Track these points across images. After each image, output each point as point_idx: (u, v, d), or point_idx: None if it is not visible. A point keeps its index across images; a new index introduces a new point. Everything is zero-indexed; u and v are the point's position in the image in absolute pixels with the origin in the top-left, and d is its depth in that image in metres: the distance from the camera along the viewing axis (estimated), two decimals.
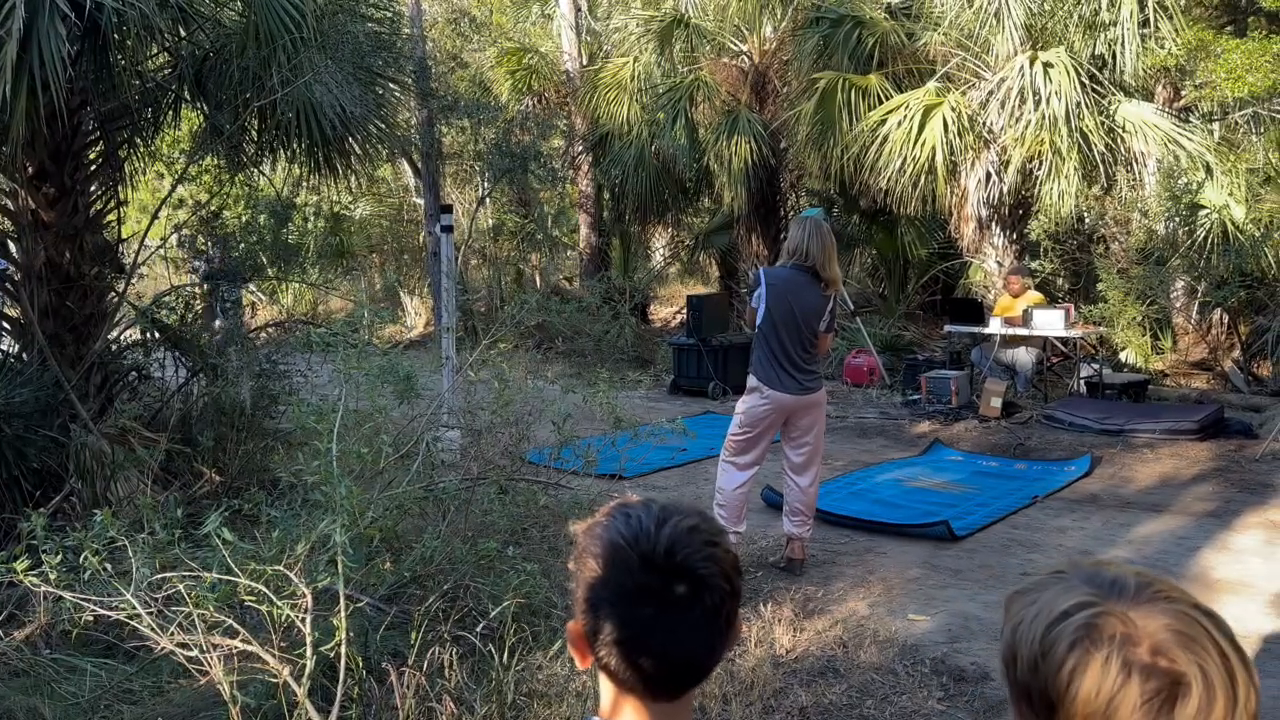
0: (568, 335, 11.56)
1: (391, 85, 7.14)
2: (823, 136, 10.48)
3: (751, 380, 4.78)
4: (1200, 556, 5.08)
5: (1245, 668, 0.85)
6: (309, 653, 2.67)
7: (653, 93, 12.77)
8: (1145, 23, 8.91)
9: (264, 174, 8.29)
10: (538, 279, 16.69)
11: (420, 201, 15.06)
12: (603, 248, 15.16)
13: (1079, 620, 0.87)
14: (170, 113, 6.34)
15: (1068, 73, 8.79)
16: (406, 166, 15.49)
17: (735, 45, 12.51)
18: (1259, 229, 9.61)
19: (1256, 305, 9.84)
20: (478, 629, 3.24)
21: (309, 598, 2.73)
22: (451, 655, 2.98)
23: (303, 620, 2.70)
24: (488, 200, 15.43)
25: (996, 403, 8.54)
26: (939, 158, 9.39)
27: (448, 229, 6.50)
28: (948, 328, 9.91)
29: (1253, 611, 4.33)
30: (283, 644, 2.90)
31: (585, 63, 14.68)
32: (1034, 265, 10.89)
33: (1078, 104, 8.84)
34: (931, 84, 9.75)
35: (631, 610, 1.05)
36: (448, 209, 6.94)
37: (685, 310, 10.94)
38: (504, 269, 16.26)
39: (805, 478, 4.88)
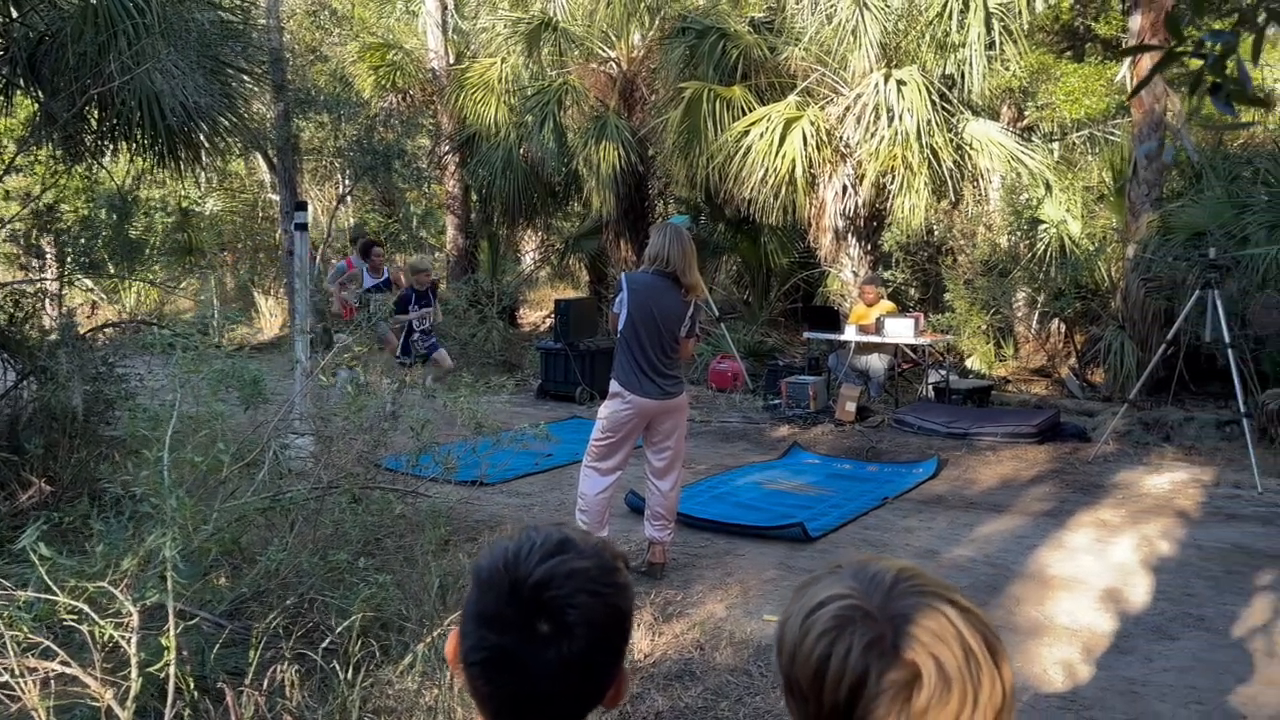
0: None
1: (242, 76, 6.84)
2: (689, 145, 10.63)
3: (614, 385, 4.77)
4: (1037, 554, 5.35)
5: (992, 662, 0.87)
6: (134, 674, 2.51)
7: (521, 95, 12.68)
8: (991, 45, 9.38)
9: (104, 166, 7.81)
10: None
11: (276, 198, 14.50)
12: (470, 250, 14.94)
13: (832, 612, 0.90)
14: (1, 98, 5.90)
15: (920, 91, 9.17)
16: (262, 161, 14.88)
17: (604, 51, 12.55)
18: (1093, 244, 10.25)
19: (1091, 316, 10.48)
20: (323, 644, 3.11)
21: (135, 616, 2.56)
22: (291, 673, 2.85)
23: (127, 640, 2.53)
24: (349, 199, 14.98)
25: (851, 407, 8.82)
26: (799, 170, 9.64)
27: (302, 227, 6.26)
28: (806, 334, 10.19)
29: (1084, 606, 4.58)
30: (108, 665, 2.72)
31: (452, 62, 14.44)
32: (887, 275, 11.31)
33: (928, 121, 9.22)
34: (792, 98, 10.02)
35: (489, 635, 1.01)
36: (302, 206, 6.68)
37: (553, 314, 10.89)
38: None
39: (667, 482, 4.91)
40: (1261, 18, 1.17)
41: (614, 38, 12.46)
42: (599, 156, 11.43)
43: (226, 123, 6.84)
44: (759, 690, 3.64)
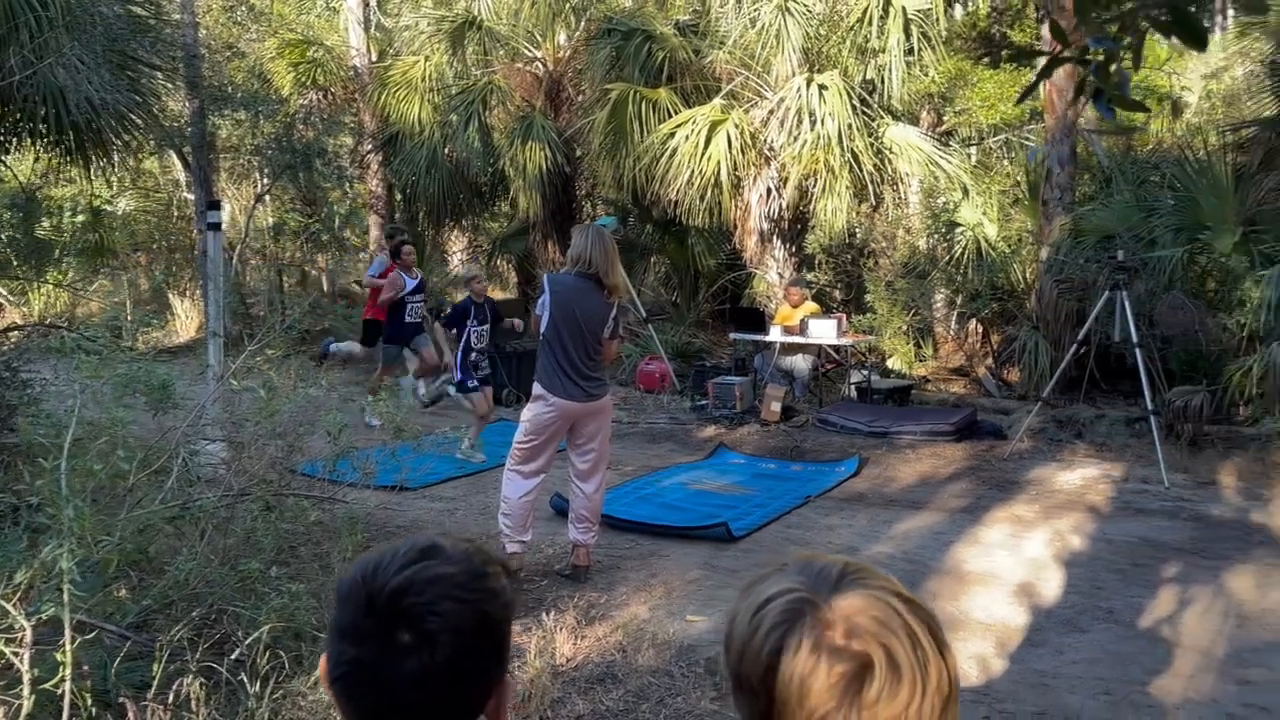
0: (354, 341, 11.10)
1: (154, 72, 6.64)
2: (615, 146, 10.63)
3: (537, 388, 4.74)
4: (954, 550, 5.46)
5: (938, 651, 0.88)
6: (26, 691, 2.40)
7: (445, 94, 12.54)
8: (910, 51, 9.56)
9: (4, 164, 7.52)
10: (324, 281, 16.02)
11: (191, 197, 14.11)
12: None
13: (781, 606, 0.90)
14: None
15: (841, 95, 9.31)
16: (176, 160, 14.47)
17: (530, 51, 12.48)
18: (1009, 246, 10.51)
19: (1007, 316, 10.74)
20: (232, 656, 3.02)
21: (28, 631, 2.46)
22: (196, 686, 2.76)
23: (19, 656, 2.42)
24: (267, 197, 14.65)
25: (776, 407, 8.91)
26: (724, 172, 9.71)
27: (215, 226, 6.09)
28: (733, 335, 10.26)
29: (999, 600, 4.68)
30: (0, 683, 2.60)
31: (374, 59, 14.22)
32: (811, 277, 11.44)
33: (849, 125, 9.37)
34: (717, 100, 10.08)
35: (348, 649, 0.97)
36: (215, 205, 6.50)
37: None
38: (288, 271, 15.50)
39: (591, 484, 4.89)
40: (1143, 25, 1.21)
41: (539, 37, 12.40)
42: (525, 157, 11.36)
43: (139, 120, 6.63)
44: (680, 691, 3.64)
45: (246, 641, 3.01)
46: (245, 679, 2.86)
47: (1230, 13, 19.30)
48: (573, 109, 12.15)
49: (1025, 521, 5.97)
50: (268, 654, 2.98)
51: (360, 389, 8.66)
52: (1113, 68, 1.22)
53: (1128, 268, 7.33)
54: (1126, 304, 7.08)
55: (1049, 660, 3.99)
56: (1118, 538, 5.63)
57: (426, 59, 12.32)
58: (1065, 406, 8.39)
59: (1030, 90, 1.67)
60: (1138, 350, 7.04)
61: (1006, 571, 5.08)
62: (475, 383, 7.31)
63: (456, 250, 17.80)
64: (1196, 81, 18.21)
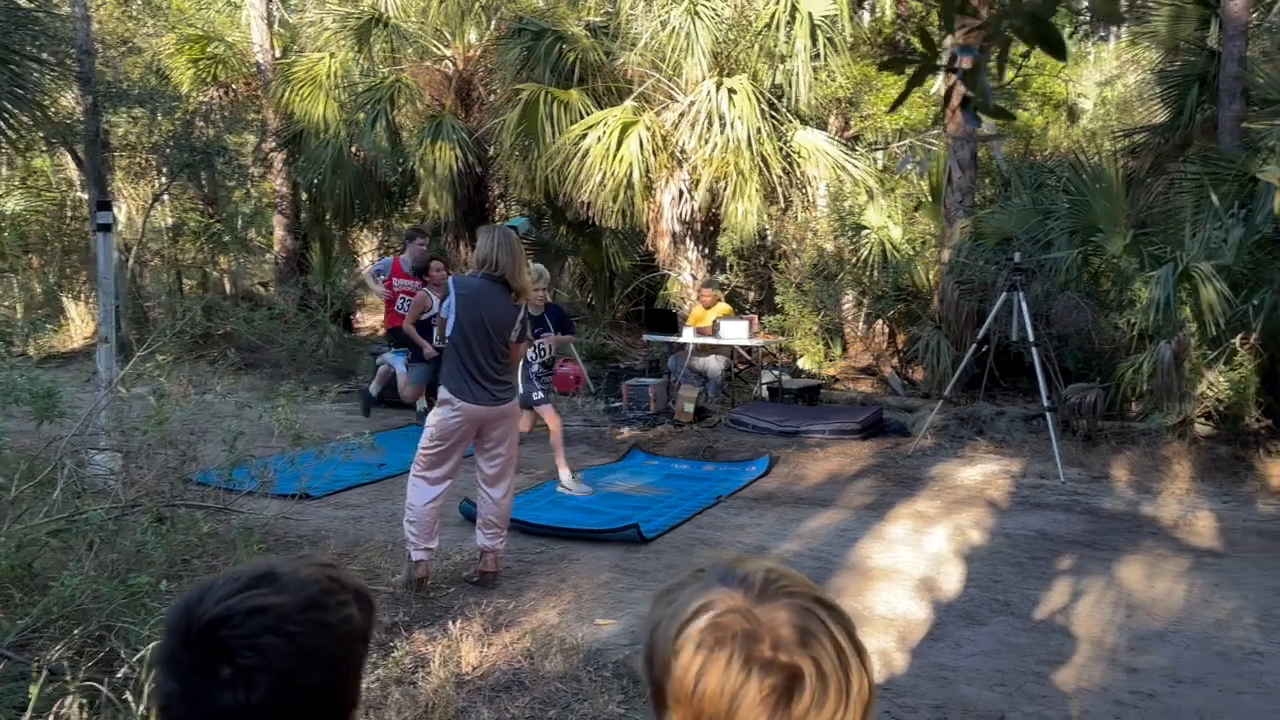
0: (258, 345, 10.81)
1: (40, 66, 6.35)
2: (527, 147, 10.57)
3: (443, 392, 4.67)
4: (859, 547, 5.56)
5: (859, 657, 0.89)
6: None
7: (351, 91, 12.30)
8: (817, 56, 9.71)
9: None
10: (227, 284, 15.55)
11: (86, 197, 13.56)
12: (301, 252, 14.37)
13: (707, 619, 0.88)
14: None
15: (750, 99, 9.41)
16: (69, 158, 13.89)
17: (439, 49, 12.31)
18: (913, 248, 10.77)
19: (912, 317, 10.99)
20: (118, 674, 2.90)
21: None
22: (75, 708, 2.64)
23: None
24: (166, 197, 14.16)
25: (689, 408, 8.97)
26: (636, 174, 9.73)
27: (105, 228, 5.85)
28: (646, 337, 10.30)
29: (901, 595, 4.78)
30: None
31: (278, 56, 13.87)
32: (723, 279, 11.55)
33: (758, 129, 9.47)
34: (629, 102, 10.10)
35: (168, 681, 0.92)
36: (105, 205, 6.24)
37: None
38: (188, 273, 15.01)
39: (499, 489, 4.84)
40: (1007, 34, 1.24)
41: (449, 36, 12.25)
42: (435, 157, 11.21)
43: (25, 117, 6.34)
44: (588, 696, 3.62)
45: (134, 659, 2.89)
46: (130, 698, 2.75)
47: (1125, 23, 20.12)
48: (484, 108, 12.03)
49: (928, 517, 6.11)
50: (153, 672, 2.86)
51: (257, 395, 8.41)
52: (1014, 71, 1.25)
53: (1024, 269, 7.57)
54: (1024, 304, 7.32)
55: (948, 654, 4.08)
56: (1015, 532, 5.80)
57: (332, 56, 12.06)
58: (967, 404, 8.63)
59: (902, 99, 1.71)
60: (1034, 349, 7.28)
61: (909, 566, 5.19)
62: (543, 399, 6.82)
63: (367, 251, 17.49)
64: (1092, 89, 18.95)
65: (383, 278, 8.93)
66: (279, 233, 14.34)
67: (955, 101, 1.33)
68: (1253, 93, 8.58)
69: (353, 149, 12.32)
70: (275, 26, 14.25)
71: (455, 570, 5.02)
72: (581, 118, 10.16)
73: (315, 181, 12.58)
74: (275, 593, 0.93)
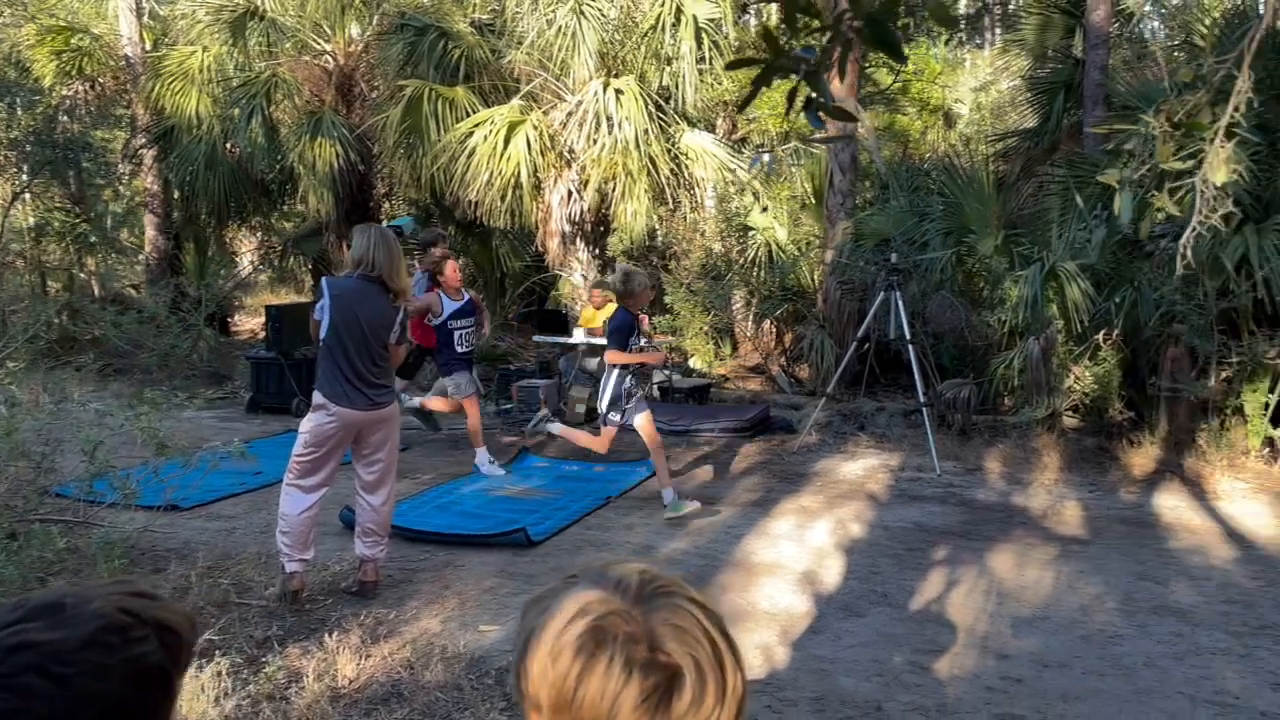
0: (128, 350, 10.32)
1: None
2: (412, 145, 10.38)
3: (317, 397, 4.53)
4: (744, 543, 5.62)
5: (733, 654, 0.89)
6: None
7: (226, 86, 11.86)
8: (703, 59, 9.81)
9: None
10: (95, 286, 14.80)
11: None
12: (174, 252, 13.78)
13: (585, 624, 0.87)
14: None
15: (637, 100, 9.44)
16: None
17: (318, 44, 11.98)
18: (798, 249, 10.97)
19: (798, 316, 11.20)
20: None
21: None
22: None
23: None
24: (28, 195, 13.40)
25: (580, 409, 8.93)
26: (524, 173, 9.66)
27: None
28: (536, 338, 10.23)
29: (784, 590, 4.85)
30: None
31: (148, 49, 13.28)
32: (612, 279, 11.55)
33: (646, 130, 9.51)
34: (516, 101, 10.01)
35: None
36: None
37: (265, 321, 10.25)
38: (54, 275, 14.22)
39: (378, 496, 4.71)
40: (849, 36, 1.25)
41: (329, 30, 11.92)
42: (315, 154, 10.90)
43: None
44: (469, 704, 3.56)
45: None
46: None
47: (997, 30, 20.98)
48: (366, 105, 11.76)
49: (811, 512, 6.22)
50: None
51: (119, 402, 8.02)
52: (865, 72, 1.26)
53: (901, 269, 7.79)
54: (901, 303, 7.53)
55: (828, 646, 4.15)
56: (894, 524, 5.96)
57: (205, 49, 11.62)
58: (849, 401, 8.83)
59: (749, 99, 1.72)
60: (911, 347, 7.49)
61: (792, 561, 5.27)
62: (619, 416, 6.22)
63: (246, 251, 16.90)
64: (968, 95, 19.66)
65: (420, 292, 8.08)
66: (150, 233, 13.73)
67: (798, 103, 1.34)
68: (1114, 99, 9.02)
69: (228, 145, 11.89)
70: (145, 18, 13.63)
71: (334, 581, 4.87)
72: (467, 115, 10.03)
73: (188, 179, 12.09)
74: (51, 627, 0.83)
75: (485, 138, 9.61)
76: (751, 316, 12.05)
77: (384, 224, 10.69)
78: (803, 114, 1.37)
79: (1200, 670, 3.91)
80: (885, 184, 10.41)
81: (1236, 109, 1.60)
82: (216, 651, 3.74)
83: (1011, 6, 16.73)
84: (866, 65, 14.26)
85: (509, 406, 9.39)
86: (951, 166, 9.59)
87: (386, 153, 10.78)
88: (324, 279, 4.63)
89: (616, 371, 6.21)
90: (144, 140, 13.09)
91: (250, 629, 4.23)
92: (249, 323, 15.75)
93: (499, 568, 5.13)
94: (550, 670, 0.87)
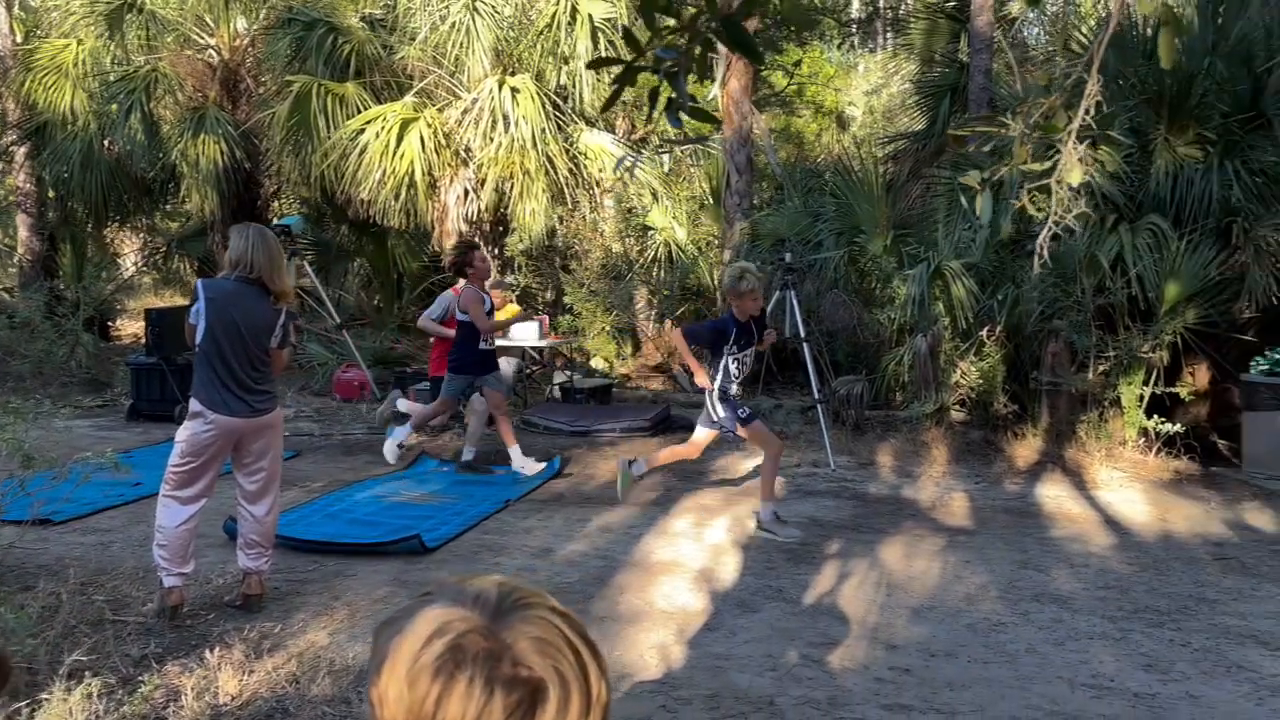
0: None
1: None
2: (301, 142, 10.10)
3: (194, 404, 4.34)
4: (644, 543, 5.62)
5: (597, 662, 0.88)
6: None
7: (103, 81, 11.35)
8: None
9: None
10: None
11: None
12: (49, 254, 13.12)
13: (443, 643, 0.84)
14: None
15: (533, 99, 9.37)
16: None
17: (201, 38, 11.55)
18: (698, 249, 11.06)
19: (698, 315, 11.29)
20: None
21: None
22: None
23: None
24: None
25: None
26: (418, 172, 9.49)
27: None
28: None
29: (681, 588, 4.86)
30: None
31: (19, 41, 12.61)
32: (512, 280, 11.45)
33: (543, 129, 9.44)
34: (409, 98, 9.83)
35: None
36: None
37: (145, 325, 9.83)
38: None
39: (261, 506, 4.55)
40: (709, 36, 1.25)
41: (212, 24, 11.51)
42: (198, 151, 10.51)
43: None
44: (358, 718, 3.46)
45: None
46: None
47: (889, 34, 21.53)
48: (253, 101, 11.39)
49: (710, 510, 6.26)
50: None
51: None
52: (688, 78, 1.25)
53: (795, 269, 7.91)
54: (795, 302, 7.64)
55: (723, 643, 4.18)
56: (790, 519, 6.03)
57: (80, 42, 11.10)
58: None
59: (613, 100, 1.71)
60: (806, 345, 7.62)
61: (690, 559, 5.29)
62: (746, 412, 5.73)
63: (129, 252, 16.22)
64: (861, 98, 20.15)
65: (446, 317, 7.81)
66: (23, 233, 13.05)
67: (660, 104, 1.32)
68: (997, 103, 9.34)
69: (105, 142, 11.37)
70: (15, 9, 12.94)
71: (217, 595, 4.69)
72: (359, 112, 9.81)
73: (64, 177, 11.52)
74: None
75: (377, 135, 9.41)
76: (653, 316, 12.10)
77: (273, 223, 10.44)
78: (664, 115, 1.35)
79: (1078, 655, 4.06)
80: (781, 185, 10.57)
81: (1088, 111, 1.65)
82: (87, 672, 3.55)
83: (901, 11, 17.19)
84: (762, 68, 14.47)
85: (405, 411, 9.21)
86: (844, 168, 9.79)
87: (274, 150, 10.47)
88: (199, 281, 4.44)
89: (719, 381, 5.69)
90: (15, 137, 12.43)
91: (126, 647, 4.04)
92: (132, 326, 15.11)
93: (392, 576, 5.01)
94: (408, 695, 0.84)
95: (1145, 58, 8.20)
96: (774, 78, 16.00)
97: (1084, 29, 10.85)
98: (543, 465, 7.14)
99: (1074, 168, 1.65)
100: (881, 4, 19.78)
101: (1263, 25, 7.89)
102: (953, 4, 11.38)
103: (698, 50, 1.24)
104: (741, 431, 5.74)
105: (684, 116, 1.50)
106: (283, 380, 10.16)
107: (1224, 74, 7.83)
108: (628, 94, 11.15)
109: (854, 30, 19.34)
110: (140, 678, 3.71)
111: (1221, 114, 7.83)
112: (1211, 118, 7.84)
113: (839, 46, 19.39)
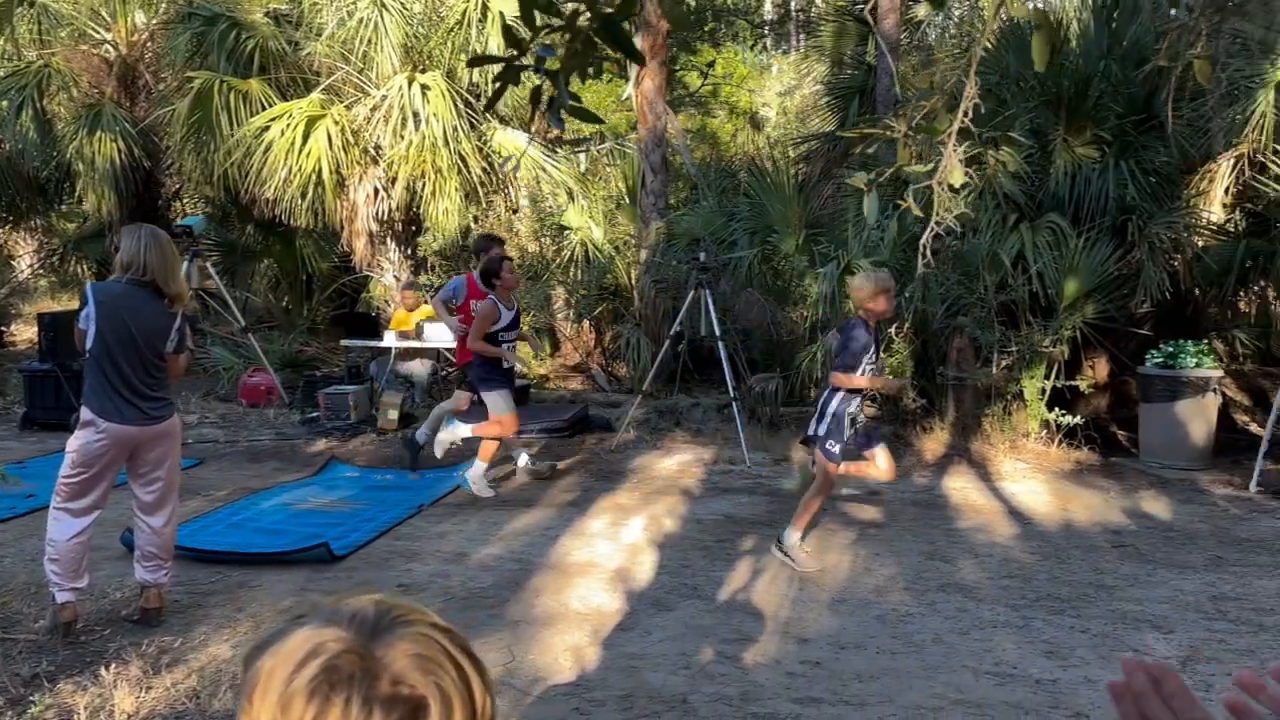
0: None
1: None
2: (203, 140, 9.79)
3: (85, 412, 4.17)
4: (560, 544, 5.58)
5: (480, 676, 0.86)
6: None
7: None
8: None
9: None
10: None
11: None
12: None
13: (317, 665, 0.80)
14: None
15: (444, 96, 9.24)
16: None
17: (97, 32, 11.11)
18: (614, 248, 11.05)
19: (616, 315, 11.29)
20: None
21: None
22: None
23: None
24: None
25: (393, 415, 8.66)
26: (325, 170, 9.28)
27: None
28: (344, 342, 9.86)
29: (596, 589, 4.84)
30: None
31: None
32: (425, 280, 11.29)
33: (455, 128, 9.32)
34: (316, 95, 9.61)
35: None
36: None
37: (39, 330, 9.43)
38: None
39: (159, 518, 4.39)
40: (592, 35, 1.23)
41: (109, 18, 11.09)
42: (94, 149, 10.12)
43: None
44: None
45: None
46: None
47: (802, 36, 21.84)
48: (152, 98, 11.00)
49: (627, 509, 6.26)
50: None
51: None
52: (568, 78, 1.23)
53: (710, 268, 7.96)
54: (710, 301, 7.69)
55: (638, 642, 4.17)
56: (705, 516, 6.07)
57: None
58: (666, 397, 8.96)
59: (496, 98, 1.68)
60: (721, 343, 7.67)
61: (606, 559, 5.27)
62: (837, 446, 5.07)
63: (23, 254, 15.53)
64: (775, 99, 20.38)
65: (457, 303, 7.35)
66: None
67: (543, 102, 1.30)
68: (902, 105, 9.54)
69: None
70: None
71: (114, 609, 4.51)
72: (263, 109, 9.55)
73: None
74: None
75: (283, 132, 9.18)
76: (571, 316, 12.06)
77: (175, 223, 10.09)
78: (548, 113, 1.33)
79: (983, 643, 4.16)
80: (696, 185, 10.62)
81: (966, 114, 1.68)
82: None
83: (812, 14, 17.45)
84: (677, 68, 14.55)
85: (315, 415, 9.00)
86: (758, 169, 9.88)
87: (175, 148, 10.13)
88: (89, 284, 4.26)
89: (840, 394, 5.03)
90: None
91: (16, 666, 3.86)
92: (26, 332, 14.47)
93: (299, 586, 4.88)
94: (282, 718, 0.80)
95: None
96: (689, 78, 16.09)
97: (987, 33, 11.15)
98: (491, 493, 6.64)
99: (955, 169, 1.68)
100: (793, 6, 20.05)
101: (1154, 30, 8.21)
102: (861, 7, 11.59)
103: (579, 49, 1.22)
104: (826, 462, 5.09)
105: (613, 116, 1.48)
106: (186, 386, 9.89)
107: (1119, 76, 8.13)
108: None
109: (765, 32, 19.57)
110: (31, 698, 3.56)
111: (1117, 115, 8.13)
112: (1107, 119, 8.13)
113: (752, 48, 19.59)
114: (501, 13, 9.30)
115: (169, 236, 4.28)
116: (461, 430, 6.79)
